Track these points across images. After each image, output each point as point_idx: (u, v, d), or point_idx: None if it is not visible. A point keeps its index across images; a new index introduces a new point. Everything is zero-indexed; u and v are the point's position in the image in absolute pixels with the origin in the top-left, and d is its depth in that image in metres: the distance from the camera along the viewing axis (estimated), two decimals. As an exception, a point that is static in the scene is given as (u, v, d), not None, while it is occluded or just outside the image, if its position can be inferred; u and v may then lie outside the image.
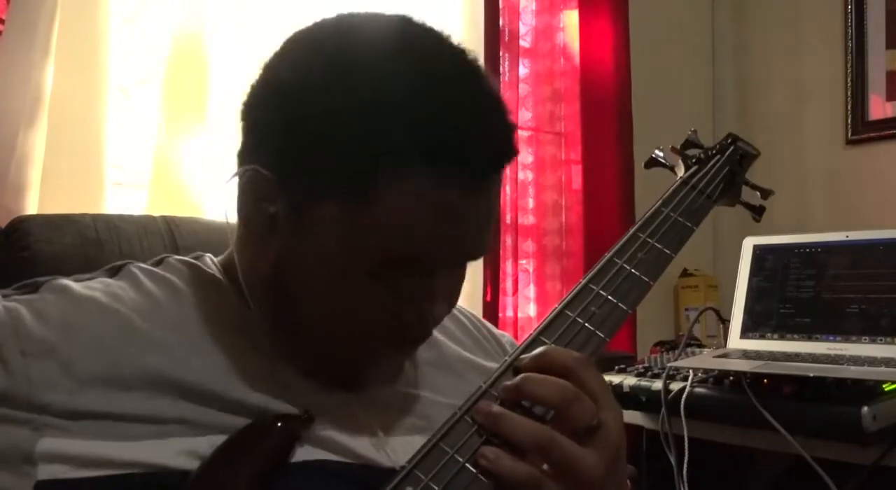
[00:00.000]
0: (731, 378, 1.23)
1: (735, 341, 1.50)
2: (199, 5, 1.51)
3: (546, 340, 0.60)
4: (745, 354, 1.40)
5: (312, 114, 0.58)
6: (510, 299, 1.93)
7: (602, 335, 0.61)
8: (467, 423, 0.54)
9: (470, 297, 1.82)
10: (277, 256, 0.62)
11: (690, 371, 1.30)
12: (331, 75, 0.58)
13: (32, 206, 1.26)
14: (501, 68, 1.94)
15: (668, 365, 1.34)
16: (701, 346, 1.79)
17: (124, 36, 1.43)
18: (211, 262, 0.71)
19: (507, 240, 1.95)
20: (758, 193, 0.87)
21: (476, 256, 0.64)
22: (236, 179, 0.64)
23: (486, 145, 0.59)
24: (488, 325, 0.85)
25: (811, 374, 1.16)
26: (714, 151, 0.84)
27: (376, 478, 0.56)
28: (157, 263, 0.70)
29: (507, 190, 1.95)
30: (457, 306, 0.82)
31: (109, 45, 1.37)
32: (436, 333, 0.76)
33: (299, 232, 0.60)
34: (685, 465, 1.25)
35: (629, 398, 1.36)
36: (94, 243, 0.95)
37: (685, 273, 2.26)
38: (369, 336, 0.62)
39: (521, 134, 2.03)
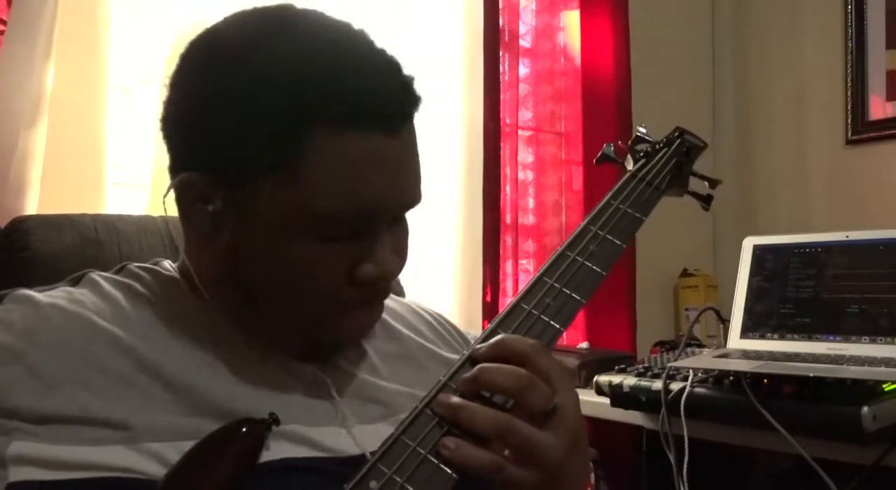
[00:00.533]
0: (731, 378, 1.23)
1: (735, 341, 1.50)
2: (199, 5, 1.51)
3: (502, 333, 0.62)
4: (745, 354, 1.40)
5: (228, 107, 0.61)
6: (511, 299, 1.93)
7: (557, 325, 0.63)
8: (428, 415, 0.56)
9: (470, 297, 1.82)
10: (230, 248, 0.64)
11: (690, 371, 1.30)
12: (232, 69, 0.62)
13: (32, 206, 1.26)
14: (501, 68, 1.94)
15: (668, 365, 1.34)
16: (701, 346, 1.79)
17: (124, 36, 1.43)
18: (169, 265, 0.73)
19: (508, 240, 1.95)
20: (706, 183, 0.90)
21: (410, 204, 0.67)
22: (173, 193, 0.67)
23: (391, 97, 0.62)
24: (453, 322, 0.87)
25: (811, 374, 1.16)
26: (661, 145, 0.87)
27: (342, 467, 0.58)
28: (118, 271, 0.72)
29: (507, 190, 1.96)
30: (421, 305, 0.86)
31: (109, 45, 1.37)
32: (400, 328, 0.79)
33: (244, 220, 0.63)
34: (685, 465, 1.25)
35: (629, 398, 1.36)
36: (94, 243, 0.95)
37: (685, 273, 2.25)
38: (333, 298, 0.64)
39: (522, 134, 2.03)
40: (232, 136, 0.62)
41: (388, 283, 0.67)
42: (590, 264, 0.69)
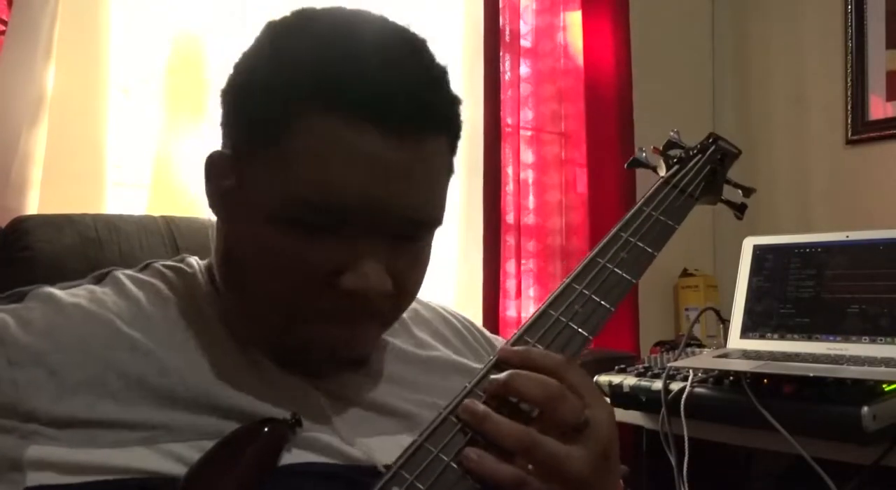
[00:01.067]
0: (731, 378, 1.23)
1: (735, 341, 1.50)
2: (199, 6, 1.51)
3: (529, 340, 0.61)
4: (745, 354, 1.40)
5: (241, 81, 0.63)
6: (513, 299, 1.93)
7: (585, 333, 0.62)
8: (452, 422, 0.55)
9: (470, 297, 1.83)
10: (234, 227, 0.64)
11: (690, 371, 1.30)
12: (258, 48, 0.63)
13: (33, 205, 1.26)
14: (502, 68, 1.94)
15: (668, 365, 1.34)
16: (701, 346, 1.79)
17: (124, 36, 1.43)
18: (196, 263, 0.72)
19: (510, 240, 1.95)
20: (740, 191, 0.88)
21: (408, 216, 0.61)
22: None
23: (402, 99, 0.58)
24: (481, 328, 0.85)
25: (811, 374, 1.16)
26: (695, 151, 0.85)
27: (361, 477, 0.57)
28: (142, 269, 0.71)
29: (508, 190, 1.96)
30: (449, 311, 0.84)
31: (109, 45, 1.37)
32: (424, 336, 0.77)
33: (242, 196, 0.63)
34: (685, 465, 1.25)
35: (629, 398, 1.36)
36: (94, 243, 0.95)
37: (685, 273, 2.25)
38: (308, 298, 0.61)
39: (523, 134, 2.03)
40: (239, 112, 0.63)
41: (370, 301, 0.61)
42: (620, 271, 0.67)
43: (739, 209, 0.88)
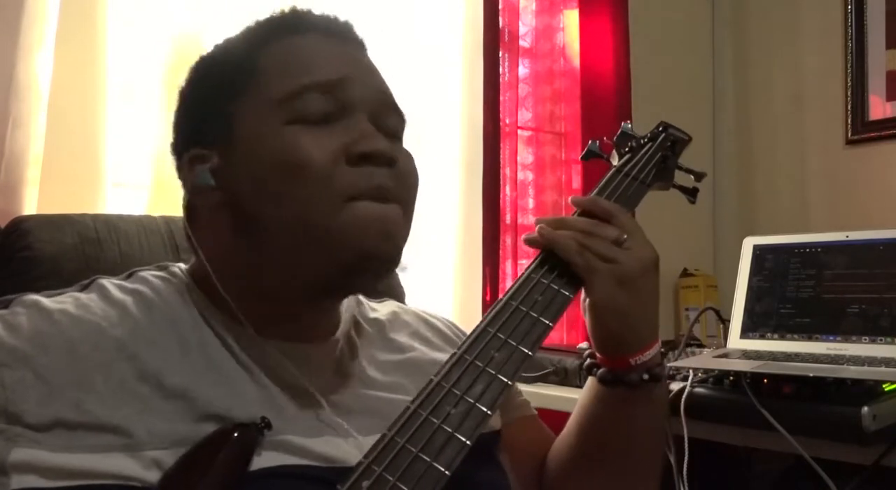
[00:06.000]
0: (731, 378, 1.23)
1: (735, 341, 1.50)
2: (199, 6, 1.51)
3: (490, 330, 0.63)
4: (745, 354, 1.40)
5: (200, 76, 0.72)
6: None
7: (546, 321, 0.65)
8: (420, 415, 0.57)
9: (469, 297, 1.83)
10: (234, 190, 0.66)
11: (690, 371, 1.30)
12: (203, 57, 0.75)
13: (31, 206, 1.26)
14: (501, 69, 1.94)
15: (668, 365, 1.34)
16: (701, 346, 1.78)
17: (124, 36, 1.43)
18: (179, 269, 0.73)
19: (507, 240, 1.95)
20: (692, 176, 0.90)
21: (385, 98, 0.72)
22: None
23: (329, 20, 0.73)
24: (461, 328, 0.87)
25: (811, 374, 1.16)
26: (646, 139, 0.87)
27: (333, 476, 0.57)
28: (127, 277, 0.71)
29: (506, 190, 1.96)
30: (430, 313, 0.87)
31: (107, 45, 1.37)
32: (403, 339, 0.79)
33: (234, 149, 0.66)
34: (685, 465, 1.25)
35: (629, 398, 1.36)
36: (94, 243, 0.95)
37: (685, 273, 2.25)
38: (335, 182, 0.64)
39: (521, 134, 2.03)
40: (208, 91, 0.70)
41: (388, 168, 0.66)
42: None
43: (691, 193, 0.89)
